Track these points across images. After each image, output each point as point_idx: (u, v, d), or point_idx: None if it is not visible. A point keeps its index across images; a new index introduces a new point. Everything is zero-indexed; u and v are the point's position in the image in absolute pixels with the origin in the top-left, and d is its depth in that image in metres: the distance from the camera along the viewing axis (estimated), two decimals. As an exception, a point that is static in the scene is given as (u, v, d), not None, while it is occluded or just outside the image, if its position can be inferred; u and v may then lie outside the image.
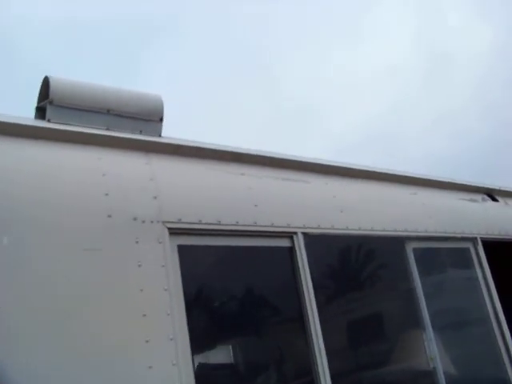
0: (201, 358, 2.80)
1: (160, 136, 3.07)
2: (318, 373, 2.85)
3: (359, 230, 3.42)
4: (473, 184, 4.74)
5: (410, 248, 3.68)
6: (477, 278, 4.08)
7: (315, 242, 3.19)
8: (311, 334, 2.93)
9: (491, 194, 4.85)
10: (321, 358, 2.88)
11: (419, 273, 3.63)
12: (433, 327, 3.54)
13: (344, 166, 3.74)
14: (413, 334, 3.62)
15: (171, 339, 2.36)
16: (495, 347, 3.96)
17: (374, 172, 3.90)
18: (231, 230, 2.91)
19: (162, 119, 3.10)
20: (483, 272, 4.10)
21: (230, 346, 3.03)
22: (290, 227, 3.11)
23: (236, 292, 3.08)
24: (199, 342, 2.71)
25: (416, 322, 3.55)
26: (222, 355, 3.05)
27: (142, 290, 2.36)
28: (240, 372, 3.10)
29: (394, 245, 3.66)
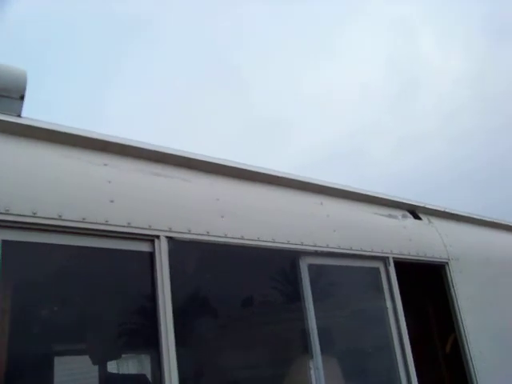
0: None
1: (20, 116, 2.67)
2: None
3: (242, 238, 3.01)
4: (395, 199, 4.40)
5: (304, 264, 3.28)
6: (384, 302, 3.70)
7: (183, 248, 2.78)
8: (163, 362, 2.50)
9: (414, 211, 4.51)
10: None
11: (313, 292, 3.23)
12: (322, 355, 3.12)
13: (237, 166, 3.34)
14: (297, 361, 3.21)
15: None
16: (396, 376, 3.56)
17: (274, 176, 3.51)
18: (75, 228, 2.47)
19: (23, 97, 2.69)
20: (392, 296, 3.74)
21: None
22: (151, 229, 2.69)
23: (77, 300, 2.65)
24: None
25: (302, 348, 3.13)
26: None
27: None
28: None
29: (285, 259, 3.26)
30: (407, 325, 3.80)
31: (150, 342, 2.64)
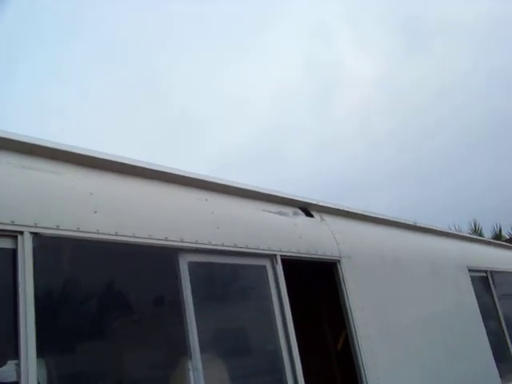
0: None
1: None
2: None
3: (116, 235, 2.95)
4: (287, 196, 4.46)
5: (184, 261, 3.26)
6: (271, 301, 3.73)
7: (50, 245, 2.69)
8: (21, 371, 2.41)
9: (306, 209, 4.59)
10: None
11: (193, 291, 3.22)
12: (202, 356, 3.11)
13: (114, 159, 3.27)
14: (176, 363, 3.18)
15: None
16: (282, 376, 3.60)
17: (155, 171, 3.47)
18: None
19: None
20: (279, 294, 3.79)
21: None
22: (14, 224, 2.58)
23: None
24: None
25: (181, 349, 3.11)
26: None
27: None
28: None
29: (163, 256, 3.22)
30: (300, 323, 3.86)
31: (8, 349, 2.52)
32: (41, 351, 2.48)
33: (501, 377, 6.64)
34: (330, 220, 4.77)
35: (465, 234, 9.00)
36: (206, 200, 3.70)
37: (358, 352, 4.30)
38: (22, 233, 2.61)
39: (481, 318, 6.84)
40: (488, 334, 6.85)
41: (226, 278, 3.70)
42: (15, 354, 2.45)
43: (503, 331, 7.61)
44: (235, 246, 3.60)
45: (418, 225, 6.39)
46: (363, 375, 4.25)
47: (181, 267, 3.24)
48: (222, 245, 3.52)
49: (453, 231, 7.55)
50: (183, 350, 3.13)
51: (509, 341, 7.59)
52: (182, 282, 3.21)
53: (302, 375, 3.71)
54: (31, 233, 2.64)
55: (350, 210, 5.17)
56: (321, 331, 5.24)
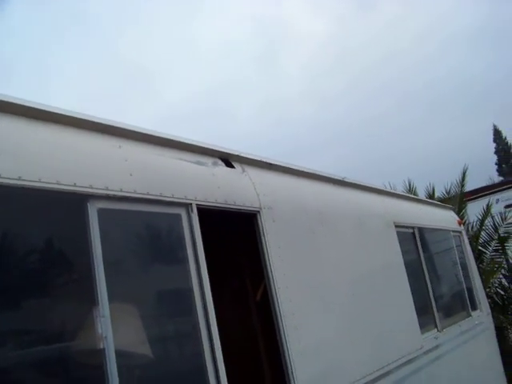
0: None
1: None
2: None
3: (19, 179, 2.93)
4: (207, 146, 4.50)
5: (93, 208, 3.27)
6: (185, 250, 3.81)
7: None
8: None
9: (227, 160, 4.65)
10: None
11: (102, 238, 3.23)
12: (110, 304, 3.16)
13: (22, 103, 3.21)
14: (83, 310, 3.21)
15: None
16: (195, 324, 3.71)
17: (66, 116, 3.43)
18: None
19: None
20: (194, 243, 3.86)
21: None
22: None
23: None
24: None
25: (89, 297, 3.15)
26: None
27: None
28: None
29: (72, 203, 3.23)
30: (221, 273, 3.96)
31: None
32: None
33: (421, 328, 7.02)
34: (251, 171, 4.85)
35: (393, 191, 9.29)
36: (120, 147, 3.71)
37: (275, 302, 4.44)
38: None
39: (405, 273, 7.14)
40: (411, 288, 7.18)
41: (139, 225, 3.73)
42: None
43: (427, 286, 7.98)
44: (148, 194, 3.63)
45: (345, 180, 6.56)
46: (281, 324, 4.41)
47: (90, 214, 3.25)
48: (135, 192, 3.54)
49: (381, 187, 7.78)
50: (91, 298, 3.17)
51: (431, 295, 7.98)
52: (91, 229, 3.23)
53: (215, 323, 3.81)
54: None
55: (274, 162, 5.25)
56: (242, 282, 5.37)
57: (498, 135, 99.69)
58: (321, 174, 6.08)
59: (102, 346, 3.12)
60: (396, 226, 7.28)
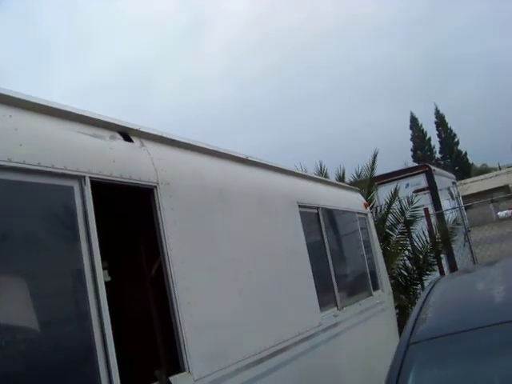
0: None
1: None
2: None
3: None
4: (105, 120, 4.54)
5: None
6: (76, 222, 3.85)
7: None
8: None
9: (126, 134, 4.70)
10: None
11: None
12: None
13: None
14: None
15: None
16: (84, 301, 3.78)
17: None
18: None
19: None
20: (86, 216, 3.90)
21: None
22: None
23: None
24: None
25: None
26: None
27: None
28: None
29: None
30: (117, 248, 4.02)
31: None
32: None
33: (320, 306, 7.34)
34: (150, 146, 4.91)
35: (297, 171, 9.57)
36: (10, 116, 3.69)
37: (169, 278, 4.56)
38: None
39: (307, 252, 7.42)
40: (313, 267, 7.47)
41: (29, 197, 3.73)
42: None
43: (328, 266, 8.32)
44: (39, 165, 3.64)
45: (248, 158, 6.72)
46: (174, 299, 4.53)
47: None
48: (24, 162, 3.55)
49: (285, 167, 8.01)
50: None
51: (333, 275, 8.32)
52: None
53: (105, 301, 3.87)
54: None
55: (175, 138, 5.34)
56: (138, 258, 5.44)
57: (414, 122, 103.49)
58: (224, 151, 6.21)
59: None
60: (300, 206, 7.53)
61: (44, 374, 3.48)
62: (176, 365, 4.54)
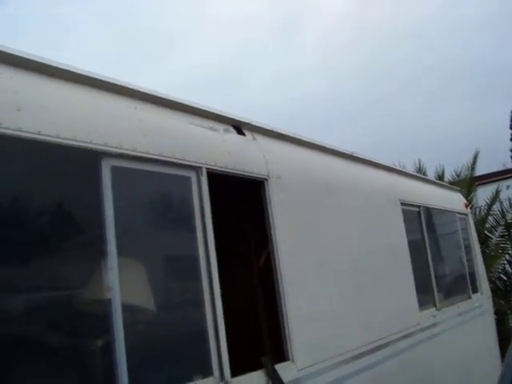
0: None
1: None
2: None
3: (39, 134, 3.10)
4: (220, 113, 4.65)
5: (107, 166, 3.44)
6: (192, 211, 3.98)
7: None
8: None
9: (239, 127, 4.80)
10: None
11: (114, 196, 3.42)
12: (118, 257, 3.35)
13: (42, 61, 3.38)
14: (93, 263, 3.40)
15: None
16: (198, 287, 3.90)
17: (84, 76, 3.59)
18: None
19: None
20: (202, 206, 4.03)
21: None
22: None
23: None
24: None
25: (99, 251, 3.33)
26: None
27: None
28: None
29: (86, 159, 3.38)
30: (227, 237, 4.13)
31: None
32: None
33: (419, 305, 7.20)
34: (261, 140, 4.98)
35: (401, 169, 9.41)
36: (135, 108, 3.85)
37: (277, 268, 4.63)
38: None
39: (408, 250, 7.30)
40: (413, 266, 7.34)
41: (150, 185, 3.88)
42: None
43: (428, 265, 8.14)
44: (161, 155, 3.79)
45: (354, 155, 6.69)
46: (281, 290, 4.59)
47: (103, 171, 3.42)
48: (148, 152, 3.69)
49: (389, 164, 7.90)
50: (100, 251, 3.35)
51: (432, 275, 8.14)
52: (103, 186, 3.39)
53: (218, 287, 3.99)
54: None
55: (284, 133, 5.39)
56: (247, 248, 5.53)
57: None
58: (330, 147, 6.21)
59: (108, 297, 3.31)
60: (402, 204, 7.42)
61: (160, 354, 3.62)
62: (280, 354, 4.59)
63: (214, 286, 3.96)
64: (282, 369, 4.40)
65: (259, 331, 5.20)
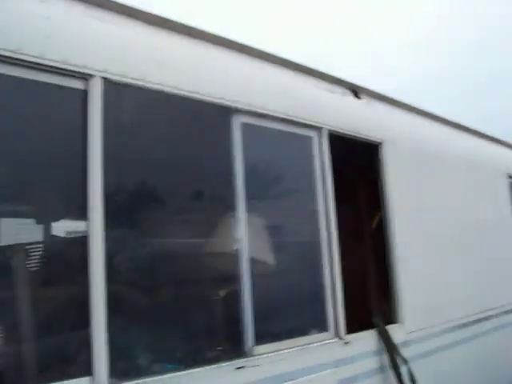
0: None
1: None
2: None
3: (177, 88, 3.24)
4: (339, 77, 4.66)
5: (237, 122, 3.54)
6: (314, 170, 4.06)
7: (117, 91, 2.98)
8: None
9: (356, 91, 4.80)
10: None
11: (244, 149, 3.52)
12: (247, 210, 3.50)
13: (184, 23, 3.55)
14: (223, 212, 3.55)
15: None
16: (317, 243, 3.98)
17: (224, 38, 3.76)
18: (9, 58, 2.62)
19: None
20: (323, 166, 4.09)
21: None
22: (86, 68, 2.89)
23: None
24: None
25: (228, 201, 3.47)
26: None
27: None
28: None
29: (218, 115, 3.51)
30: (340, 198, 4.19)
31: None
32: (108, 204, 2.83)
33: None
34: (377, 104, 4.98)
35: (509, 142, 9.08)
36: (263, 69, 3.97)
37: (389, 232, 4.64)
38: (92, 76, 2.88)
39: (515, 225, 7.08)
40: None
41: (275, 143, 3.97)
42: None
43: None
44: (286, 114, 3.87)
45: (464, 125, 6.54)
46: (392, 253, 4.60)
47: (233, 127, 3.54)
48: (275, 111, 3.79)
49: (497, 137, 7.65)
50: (230, 203, 3.49)
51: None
52: (234, 141, 3.53)
53: (337, 245, 4.08)
54: (101, 77, 2.92)
55: (399, 100, 5.35)
56: (358, 210, 5.55)
57: None
58: (443, 117, 6.11)
59: (237, 248, 3.46)
60: (509, 177, 7.19)
61: (281, 306, 3.76)
62: (389, 316, 4.62)
63: (332, 246, 4.05)
64: (393, 329, 4.44)
65: (368, 292, 5.23)
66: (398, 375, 4.26)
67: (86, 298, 2.67)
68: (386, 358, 4.31)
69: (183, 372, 3.01)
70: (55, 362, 2.83)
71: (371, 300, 5.17)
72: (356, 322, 4.23)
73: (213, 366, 3.16)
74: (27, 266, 3.08)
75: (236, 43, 3.83)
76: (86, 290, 2.67)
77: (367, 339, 4.28)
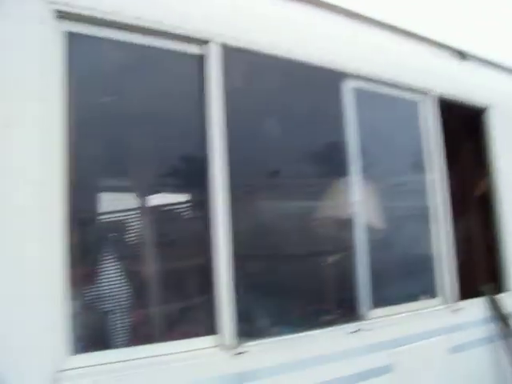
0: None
1: None
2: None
3: (291, 52, 3.21)
4: (445, 42, 4.53)
5: (349, 87, 3.50)
6: (423, 135, 4.04)
7: (234, 55, 2.99)
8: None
9: (464, 55, 4.64)
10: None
11: (357, 116, 3.50)
12: (361, 173, 3.54)
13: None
14: (336, 179, 3.53)
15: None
16: (428, 208, 3.99)
17: (340, 7, 3.72)
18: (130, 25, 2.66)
19: None
20: (434, 130, 4.02)
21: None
22: (204, 32, 2.90)
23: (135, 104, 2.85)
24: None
25: (342, 167, 3.45)
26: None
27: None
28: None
29: (329, 80, 3.46)
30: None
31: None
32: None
33: None
34: (484, 69, 4.79)
35: None
36: (373, 34, 3.89)
37: (496, 198, 4.51)
38: (209, 42, 2.89)
39: None
40: None
41: (384, 108, 3.89)
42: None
43: None
44: (393, 80, 3.81)
45: None
46: (499, 220, 4.49)
47: (345, 91, 3.52)
48: (383, 76, 3.74)
49: None
50: (345, 170, 3.49)
51: None
52: (346, 107, 3.51)
53: (448, 212, 4.08)
54: (219, 42, 2.93)
55: (504, 64, 5.13)
56: (463, 175, 5.38)
57: None
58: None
59: (352, 211, 3.48)
60: None
61: (393, 270, 3.77)
62: (499, 284, 4.49)
63: (444, 211, 4.04)
64: (504, 298, 4.33)
65: (476, 261, 5.08)
66: (510, 345, 4.14)
67: (212, 261, 2.73)
68: (496, 328, 4.20)
69: (300, 334, 3.04)
70: (185, 321, 2.92)
71: (479, 268, 5.00)
72: (464, 290, 4.14)
73: (328, 329, 3.17)
74: (157, 230, 3.16)
75: (345, 9, 3.75)
76: (212, 254, 2.74)
77: (478, 307, 4.18)
